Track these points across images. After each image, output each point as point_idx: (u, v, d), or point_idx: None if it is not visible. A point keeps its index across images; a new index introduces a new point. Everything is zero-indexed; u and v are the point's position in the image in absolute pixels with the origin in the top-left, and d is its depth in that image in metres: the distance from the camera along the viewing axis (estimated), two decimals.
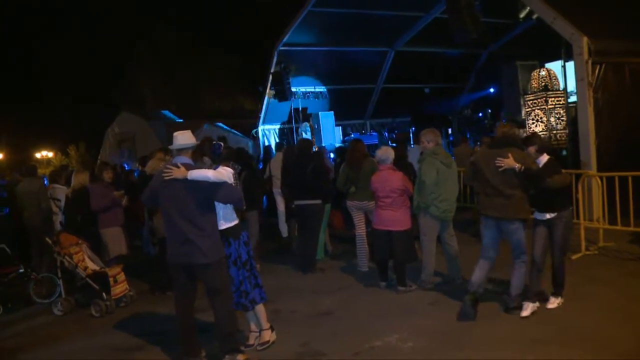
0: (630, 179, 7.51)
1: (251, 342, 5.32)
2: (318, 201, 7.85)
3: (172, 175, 4.70)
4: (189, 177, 4.65)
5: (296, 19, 15.34)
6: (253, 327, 5.36)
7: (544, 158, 5.55)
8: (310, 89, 18.10)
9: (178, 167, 4.74)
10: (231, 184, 4.89)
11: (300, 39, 16.27)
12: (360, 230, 7.78)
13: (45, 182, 9.87)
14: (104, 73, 46.03)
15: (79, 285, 7.06)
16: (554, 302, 5.60)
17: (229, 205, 4.99)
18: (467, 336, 5.12)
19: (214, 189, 4.73)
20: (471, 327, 5.33)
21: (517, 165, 5.19)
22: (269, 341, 5.28)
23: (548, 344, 4.78)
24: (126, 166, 17.05)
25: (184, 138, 4.94)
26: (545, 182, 5.32)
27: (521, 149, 5.42)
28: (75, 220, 7.83)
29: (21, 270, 7.63)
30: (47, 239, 7.36)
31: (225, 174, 4.82)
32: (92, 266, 7.15)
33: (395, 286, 6.70)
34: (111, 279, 6.92)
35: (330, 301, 6.50)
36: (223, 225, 4.99)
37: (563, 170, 5.70)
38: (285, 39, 16.03)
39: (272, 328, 5.37)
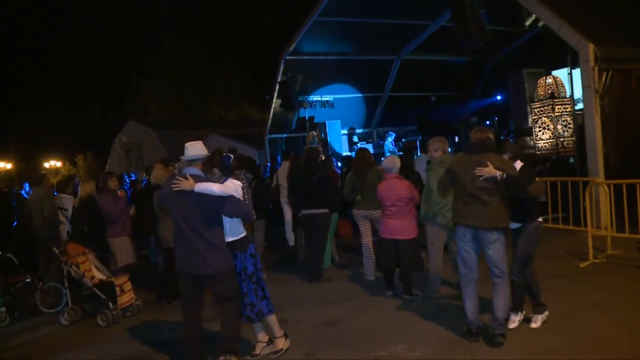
0: (638, 186, 7.44)
1: (257, 351, 5.31)
2: (325, 210, 7.83)
3: (180, 187, 4.74)
4: (195, 190, 4.68)
5: (302, 28, 15.42)
6: (260, 337, 5.36)
7: (518, 165, 5.28)
8: (316, 97, 18.14)
9: (187, 178, 4.77)
10: (238, 197, 4.90)
11: (307, 48, 16.36)
12: (367, 239, 7.76)
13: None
14: (111, 83, 46.48)
15: (86, 295, 7.06)
16: (514, 321, 5.37)
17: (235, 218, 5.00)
18: (475, 345, 5.07)
19: (220, 203, 4.75)
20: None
21: (498, 174, 4.93)
22: (282, 349, 5.29)
23: (558, 353, 4.74)
24: (132, 176, 17.09)
25: (195, 149, 5.00)
26: (526, 189, 5.07)
27: (498, 154, 5.21)
28: (81, 229, 7.85)
29: (27, 280, 7.65)
30: (54, 248, 7.39)
31: (232, 187, 4.83)
32: (98, 276, 7.16)
33: (402, 295, 6.68)
34: (118, 289, 6.93)
35: (336, 310, 6.48)
36: (229, 238, 4.99)
37: (538, 178, 5.42)
38: (291, 49, 16.11)
39: (285, 335, 5.37)
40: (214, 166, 5.00)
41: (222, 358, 4.87)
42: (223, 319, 4.98)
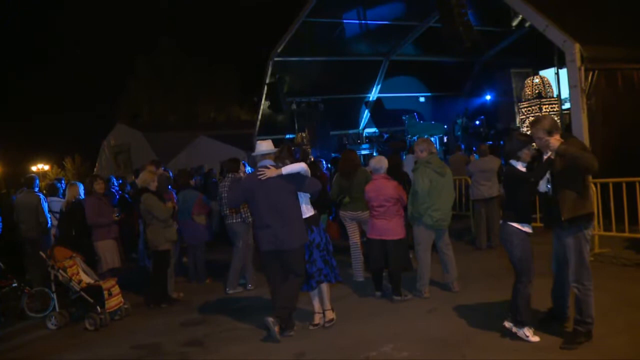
0: (624, 185, 7.50)
1: (316, 321, 5.94)
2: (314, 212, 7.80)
3: (267, 175, 5.54)
4: (284, 173, 5.53)
5: (291, 29, 15.41)
6: (317, 307, 5.99)
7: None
8: (305, 99, 18.10)
9: (268, 168, 5.61)
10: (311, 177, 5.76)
11: (295, 50, 16.32)
12: (355, 240, 7.75)
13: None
14: (100, 85, 46.26)
15: (73, 299, 6.99)
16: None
17: (307, 197, 5.81)
18: (465, 345, 5.08)
19: (303, 181, 5.62)
20: (469, 336, 5.30)
21: None
22: (333, 319, 5.97)
23: (548, 351, 4.75)
24: (119, 179, 16.96)
25: (266, 145, 5.91)
26: None
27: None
28: (69, 233, 7.78)
29: (14, 284, 7.56)
30: (40, 252, 7.30)
31: (305, 167, 5.67)
32: (86, 279, 7.08)
33: (391, 296, 6.68)
34: (105, 292, 6.86)
35: None
36: (306, 213, 5.79)
37: None
38: (279, 50, 16.08)
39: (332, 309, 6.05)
40: (285, 158, 5.87)
41: (270, 319, 5.48)
42: (285, 291, 5.66)
